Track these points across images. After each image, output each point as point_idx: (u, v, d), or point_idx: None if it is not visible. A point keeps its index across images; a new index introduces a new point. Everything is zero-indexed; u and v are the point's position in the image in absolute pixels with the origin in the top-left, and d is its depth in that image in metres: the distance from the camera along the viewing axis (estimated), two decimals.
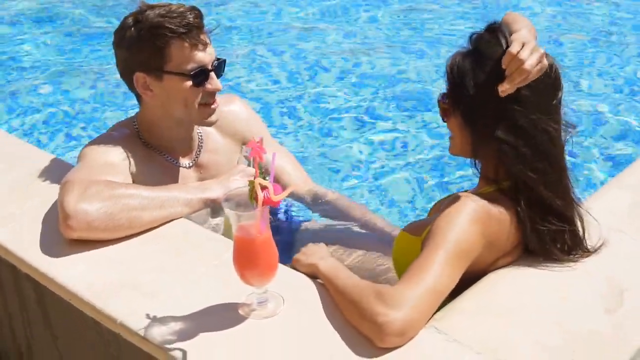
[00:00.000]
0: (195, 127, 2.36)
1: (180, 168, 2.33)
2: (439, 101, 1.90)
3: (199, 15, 2.13)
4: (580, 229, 1.84)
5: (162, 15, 2.10)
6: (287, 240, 2.53)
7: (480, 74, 1.76)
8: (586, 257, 1.83)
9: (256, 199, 1.55)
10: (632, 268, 1.82)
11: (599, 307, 1.68)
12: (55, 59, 5.31)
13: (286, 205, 2.64)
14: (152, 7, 2.14)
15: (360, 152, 3.89)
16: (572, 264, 1.81)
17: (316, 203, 2.59)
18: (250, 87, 4.72)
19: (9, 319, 2.25)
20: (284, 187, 2.50)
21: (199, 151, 2.38)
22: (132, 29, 2.12)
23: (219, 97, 2.41)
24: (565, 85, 1.84)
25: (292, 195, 2.58)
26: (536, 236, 1.79)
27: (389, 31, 5.67)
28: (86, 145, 2.24)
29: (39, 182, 2.27)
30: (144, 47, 2.11)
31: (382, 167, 3.72)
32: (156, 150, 2.30)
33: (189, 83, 2.14)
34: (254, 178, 1.57)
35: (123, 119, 2.44)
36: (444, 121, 1.90)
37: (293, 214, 2.64)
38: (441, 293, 1.60)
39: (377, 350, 1.55)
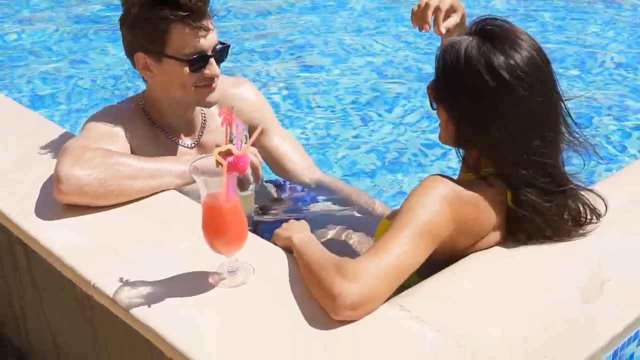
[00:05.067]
0: (199, 107, 2.37)
1: (182, 147, 2.35)
2: (428, 87, 1.83)
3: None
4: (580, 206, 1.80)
5: None
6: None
7: (487, 68, 1.66)
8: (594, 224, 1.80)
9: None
10: (616, 260, 1.75)
11: (575, 297, 1.62)
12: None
13: (290, 191, 2.64)
14: None
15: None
16: (559, 246, 1.76)
17: (320, 189, 2.58)
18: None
19: (7, 284, 2.32)
20: (280, 171, 2.57)
21: (202, 132, 2.39)
22: (136, 7, 2.13)
23: (227, 79, 2.44)
24: None
25: (297, 181, 2.59)
26: (541, 218, 1.74)
27: None
28: (91, 116, 2.28)
29: (46, 152, 2.33)
30: (146, 29, 2.13)
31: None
32: (160, 128, 2.32)
33: (187, 68, 2.14)
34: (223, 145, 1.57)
35: (133, 94, 2.48)
36: (433, 108, 1.84)
37: (297, 199, 2.63)
38: (402, 271, 1.56)
39: (335, 322, 1.53)
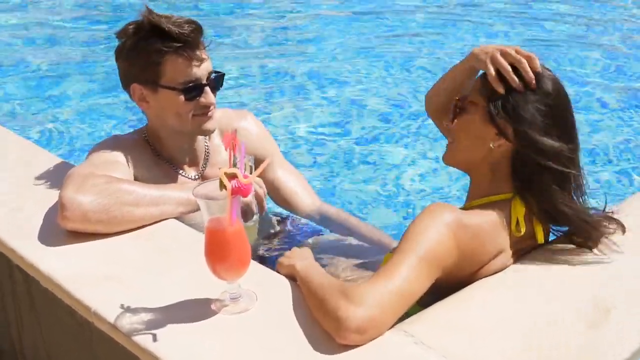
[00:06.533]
0: (203, 140, 2.38)
1: (186, 179, 2.34)
2: (466, 96, 1.82)
3: (197, 30, 2.14)
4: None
5: None
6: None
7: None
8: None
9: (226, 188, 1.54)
10: (622, 286, 1.74)
11: (581, 323, 1.60)
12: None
13: (293, 222, 2.63)
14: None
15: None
16: (564, 272, 1.76)
17: (324, 221, 2.57)
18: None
19: (4, 309, 2.30)
20: (284, 203, 2.57)
21: (205, 165, 2.39)
22: (130, 40, 2.16)
23: (230, 112, 2.45)
24: None
25: (300, 213, 2.58)
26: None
27: None
28: (94, 145, 2.28)
29: (47, 180, 2.33)
30: (140, 60, 2.15)
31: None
32: (164, 159, 2.33)
33: (182, 97, 2.16)
34: (228, 168, 1.57)
35: (139, 127, 2.48)
36: (453, 120, 1.84)
37: (299, 230, 2.62)
38: (406, 297, 1.55)
39: (339, 348, 1.50)
